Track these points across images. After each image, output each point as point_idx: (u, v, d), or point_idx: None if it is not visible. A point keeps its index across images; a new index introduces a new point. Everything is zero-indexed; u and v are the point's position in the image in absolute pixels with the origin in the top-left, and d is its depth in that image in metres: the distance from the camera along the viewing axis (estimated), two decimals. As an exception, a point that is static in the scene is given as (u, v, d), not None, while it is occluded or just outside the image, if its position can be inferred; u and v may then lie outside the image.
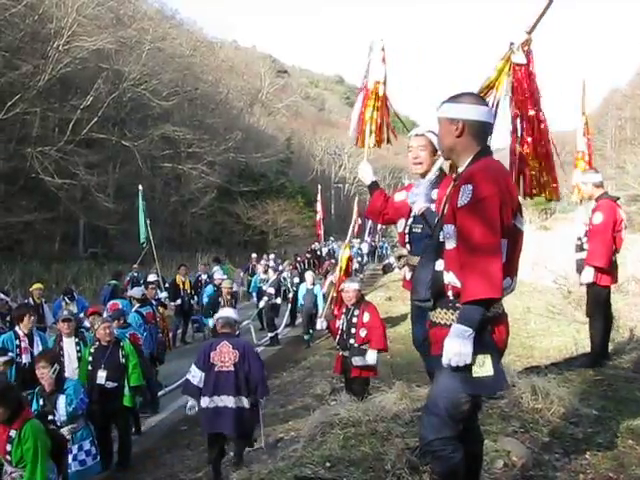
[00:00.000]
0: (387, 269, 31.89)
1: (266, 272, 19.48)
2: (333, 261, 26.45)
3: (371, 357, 7.93)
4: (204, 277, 17.93)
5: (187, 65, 38.57)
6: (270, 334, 16.16)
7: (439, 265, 3.17)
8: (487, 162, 3.18)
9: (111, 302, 12.10)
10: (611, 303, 7.36)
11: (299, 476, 4.29)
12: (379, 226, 19.46)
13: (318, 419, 5.70)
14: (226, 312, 8.01)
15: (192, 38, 43.71)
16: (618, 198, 7.14)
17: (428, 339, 3.37)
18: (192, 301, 16.69)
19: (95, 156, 29.06)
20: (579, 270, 7.13)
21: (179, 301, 16.08)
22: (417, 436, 4.75)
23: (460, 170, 3.26)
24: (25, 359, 7.74)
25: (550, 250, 17.42)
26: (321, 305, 15.32)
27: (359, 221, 47.69)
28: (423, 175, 5.09)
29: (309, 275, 16.76)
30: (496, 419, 4.96)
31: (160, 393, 11.53)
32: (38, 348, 7.99)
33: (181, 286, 16.37)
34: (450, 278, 3.10)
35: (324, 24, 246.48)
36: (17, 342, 7.80)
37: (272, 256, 24.95)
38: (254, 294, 19.16)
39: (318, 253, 30.93)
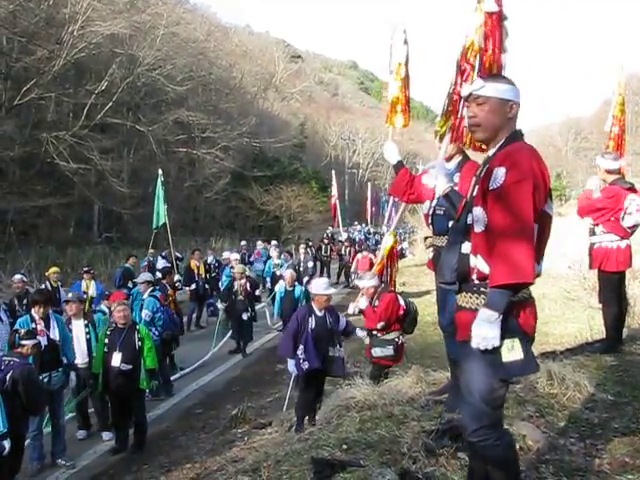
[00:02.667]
0: (401, 254, 31.92)
1: (279, 257, 19.52)
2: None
3: (360, 333, 8.47)
4: (210, 259, 18.01)
5: (201, 50, 38.48)
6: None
7: (465, 248, 3.15)
8: (521, 145, 3.12)
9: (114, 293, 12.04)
10: (626, 289, 7.32)
11: (316, 458, 4.32)
12: (399, 212, 19.22)
13: (334, 402, 5.74)
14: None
15: (206, 23, 43.61)
16: (633, 185, 7.06)
17: (454, 323, 3.33)
18: (207, 285, 16.77)
19: (109, 141, 29.09)
20: (590, 254, 7.11)
21: (194, 285, 16.15)
22: (433, 419, 4.80)
23: (491, 152, 3.21)
24: (42, 342, 7.77)
25: (565, 236, 17.30)
26: None
27: (373, 208, 47.54)
28: (448, 159, 5.16)
29: (289, 274, 14.16)
30: (512, 403, 4.96)
31: (176, 376, 11.65)
32: (54, 330, 8.02)
33: (196, 271, 16.45)
34: (477, 262, 3.07)
35: (337, 9, 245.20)
36: (33, 325, 7.82)
37: (274, 242, 24.52)
38: (268, 279, 19.19)
39: (334, 237, 30.85)
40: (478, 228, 3.06)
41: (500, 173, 2.96)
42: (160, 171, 16.83)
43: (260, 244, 24.50)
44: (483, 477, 3.47)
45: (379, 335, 8.25)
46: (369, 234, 40.60)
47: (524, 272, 2.83)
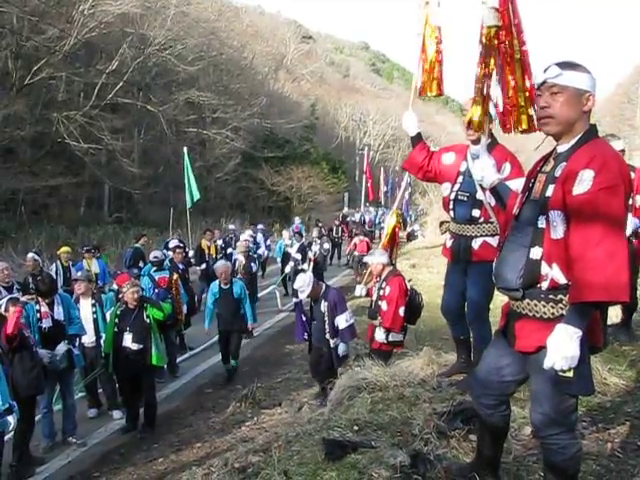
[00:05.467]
0: (411, 236, 32.02)
1: (290, 238, 19.46)
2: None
3: (378, 335, 7.87)
4: (219, 242, 17.96)
5: (212, 30, 38.25)
6: (295, 299, 16.13)
7: (535, 253, 2.89)
8: (603, 144, 2.89)
9: (119, 275, 11.97)
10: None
11: (327, 439, 4.31)
12: (402, 190, 19.07)
13: (345, 383, 5.72)
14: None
15: (217, 2, 43.36)
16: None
17: (508, 330, 3.14)
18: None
19: (120, 121, 29.12)
20: None
21: (204, 265, 16.15)
22: (445, 401, 4.78)
23: (563, 148, 2.95)
24: (45, 324, 7.67)
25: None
26: (249, 313, 11.07)
27: (384, 188, 47.60)
28: (475, 141, 4.97)
29: (222, 268, 10.92)
30: (524, 387, 4.93)
31: (185, 356, 11.70)
32: (59, 311, 8.00)
33: (206, 251, 16.44)
34: (550, 270, 2.84)
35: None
36: (37, 307, 7.80)
37: (260, 226, 24.10)
38: (278, 259, 19.18)
39: (348, 219, 30.84)
40: (556, 234, 2.82)
41: (587, 176, 2.70)
42: (185, 149, 16.89)
43: (297, 219, 25.86)
44: (490, 459, 3.47)
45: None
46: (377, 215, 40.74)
47: (620, 289, 2.62)
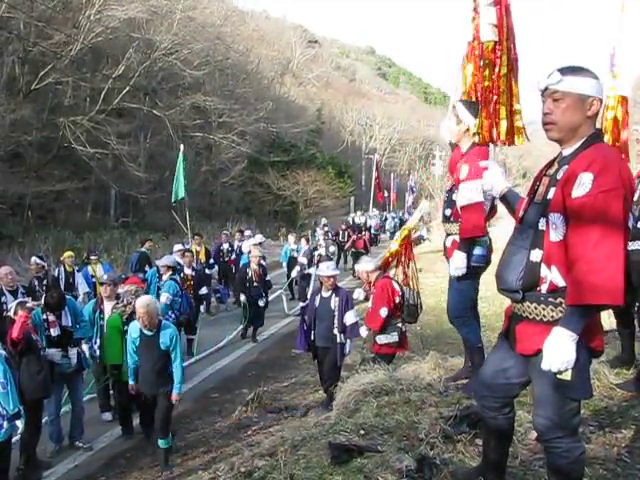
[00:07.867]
0: (417, 241, 31.99)
1: (296, 242, 19.43)
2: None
3: (363, 332, 8.28)
4: (226, 246, 17.91)
5: (218, 35, 38.23)
6: (302, 304, 16.12)
7: (535, 255, 2.91)
8: (604, 148, 2.91)
9: (127, 279, 11.95)
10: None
11: (333, 443, 4.31)
12: (411, 198, 19.25)
13: (351, 387, 5.72)
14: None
15: (223, 7, 43.33)
16: None
17: (510, 333, 3.16)
18: (208, 270, 16.55)
19: (126, 126, 29.14)
20: None
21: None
22: (451, 405, 4.78)
23: (567, 152, 2.95)
24: (54, 332, 7.68)
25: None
26: (179, 375, 7.21)
27: (386, 193, 47.68)
28: (451, 144, 5.14)
29: (140, 307, 7.01)
30: (531, 391, 4.93)
31: (191, 360, 11.70)
32: (67, 318, 7.98)
33: (195, 255, 16.28)
34: (550, 273, 2.86)
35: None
36: (44, 316, 7.77)
37: (247, 232, 23.40)
38: (284, 264, 19.15)
39: (357, 221, 30.76)
40: (555, 237, 2.84)
41: (586, 179, 2.71)
42: (182, 147, 16.89)
43: (324, 220, 27.38)
44: (496, 463, 3.46)
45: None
46: (385, 219, 41.05)
47: (615, 293, 2.62)
